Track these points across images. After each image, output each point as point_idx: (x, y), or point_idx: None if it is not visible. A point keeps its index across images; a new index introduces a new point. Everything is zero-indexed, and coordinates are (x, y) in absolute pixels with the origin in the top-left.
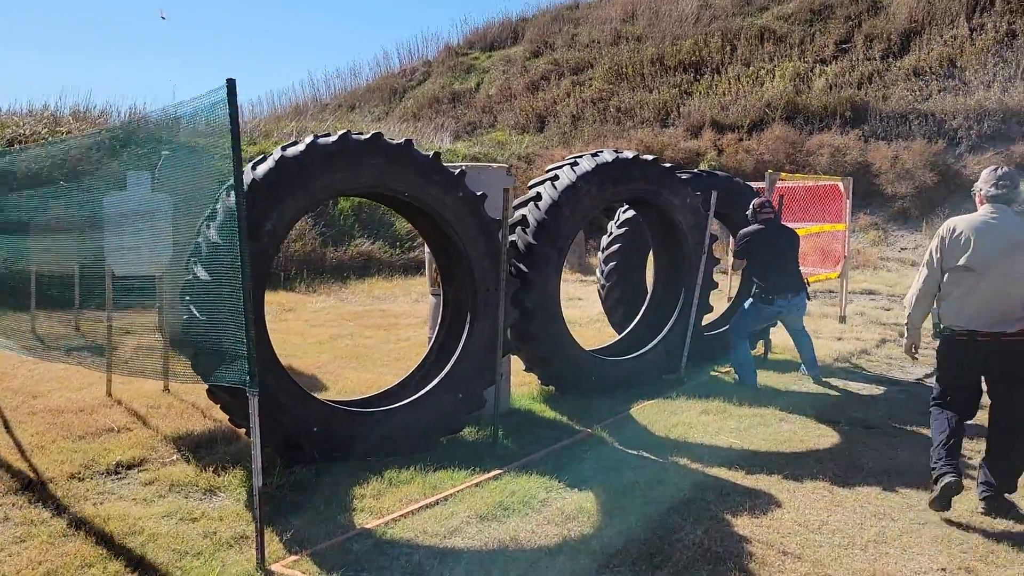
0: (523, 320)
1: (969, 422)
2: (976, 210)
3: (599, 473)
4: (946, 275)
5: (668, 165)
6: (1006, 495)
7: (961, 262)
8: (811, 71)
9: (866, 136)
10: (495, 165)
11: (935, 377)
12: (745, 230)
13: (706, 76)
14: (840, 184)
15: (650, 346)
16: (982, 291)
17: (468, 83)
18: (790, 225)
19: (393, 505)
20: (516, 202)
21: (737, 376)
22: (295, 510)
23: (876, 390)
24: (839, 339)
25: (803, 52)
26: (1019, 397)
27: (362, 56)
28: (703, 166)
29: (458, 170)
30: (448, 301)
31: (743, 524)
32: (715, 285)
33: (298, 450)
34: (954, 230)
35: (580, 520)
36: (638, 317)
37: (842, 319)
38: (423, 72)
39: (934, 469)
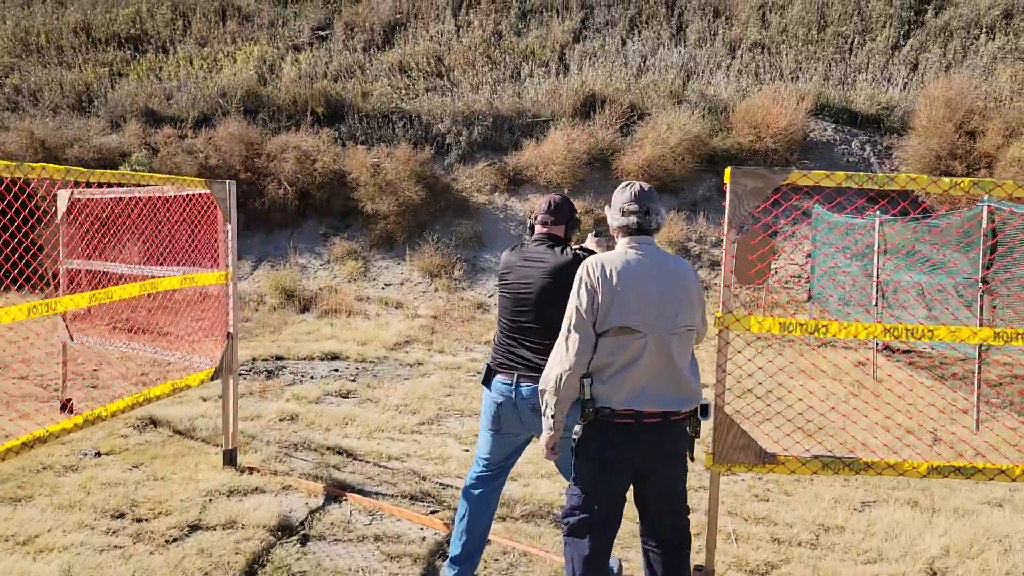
0: None
1: None
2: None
3: None
4: (599, 339)
5: None
6: None
7: (620, 321)
8: (282, 58)
9: (343, 139)
10: None
11: (573, 480)
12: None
13: (148, 55)
14: (210, 190)
15: None
16: (649, 357)
17: None
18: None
19: None
20: None
21: None
22: None
23: None
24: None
25: (274, 36)
26: (678, 496)
27: None
28: (124, 168)
29: None
30: None
31: None
32: None
33: None
34: (603, 275)
35: None
36: None
37: (230, 461)
38: None
39: None
